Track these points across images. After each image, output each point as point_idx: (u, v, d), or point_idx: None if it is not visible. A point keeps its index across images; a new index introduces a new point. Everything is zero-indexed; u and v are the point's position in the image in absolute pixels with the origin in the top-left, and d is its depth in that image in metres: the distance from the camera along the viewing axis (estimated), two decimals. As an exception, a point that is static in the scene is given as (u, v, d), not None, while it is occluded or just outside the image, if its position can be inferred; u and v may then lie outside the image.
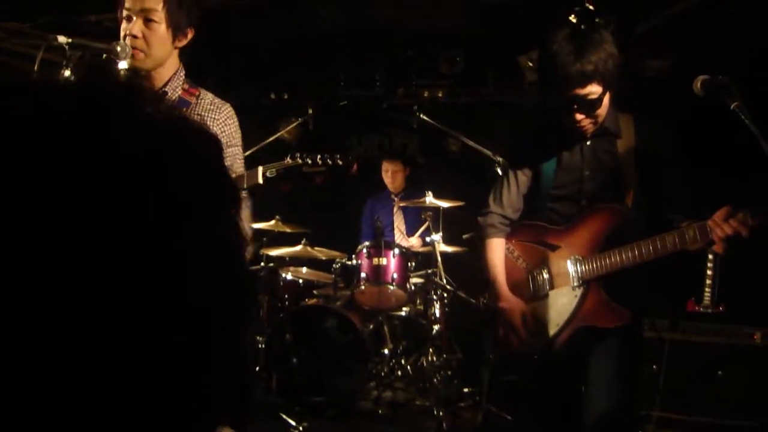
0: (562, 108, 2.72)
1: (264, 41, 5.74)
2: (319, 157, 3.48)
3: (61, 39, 2.57)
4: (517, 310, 2.95)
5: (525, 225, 3.07)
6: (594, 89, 2.63)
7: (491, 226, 3.12)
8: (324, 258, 5.45)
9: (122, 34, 2.56)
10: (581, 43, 2.73)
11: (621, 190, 2.82)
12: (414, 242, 5.88)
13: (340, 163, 3.54)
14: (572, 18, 4.63)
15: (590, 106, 2.68)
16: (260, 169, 2.89)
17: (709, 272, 4.74)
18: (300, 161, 3.49)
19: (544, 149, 2.98)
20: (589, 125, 2.77)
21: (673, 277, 4.30)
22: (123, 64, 2.85)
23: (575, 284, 2.81)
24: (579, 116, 2.70)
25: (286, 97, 6.94)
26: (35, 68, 2.59)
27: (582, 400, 2.77)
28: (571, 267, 2.83)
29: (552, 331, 2.86)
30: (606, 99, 2.71)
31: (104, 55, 2.74)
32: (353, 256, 5.32)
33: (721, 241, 2.48)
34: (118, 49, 2.69)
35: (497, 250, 3.11)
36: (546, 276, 2.92)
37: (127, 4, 2.53)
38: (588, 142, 2.88)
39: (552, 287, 2.89)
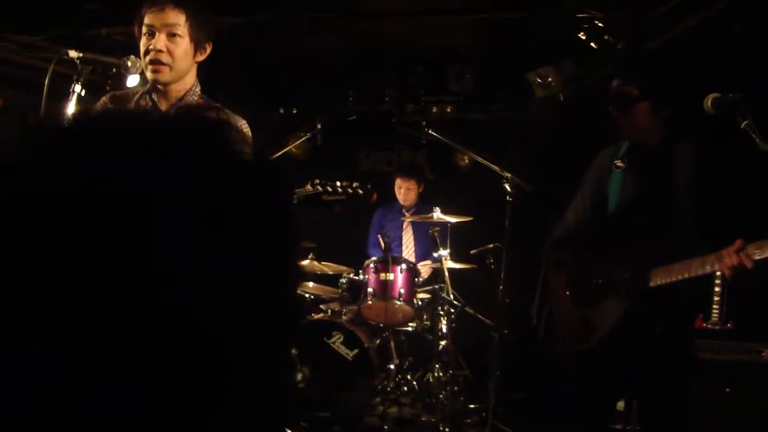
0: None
1: (273, 57, 5.77)
2: (339, 184, 3.50)
3: (73, 53, 2.61)
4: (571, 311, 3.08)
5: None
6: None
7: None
8: (331, 272, 5.44)
9: (143, 49, 2.57)
10: None
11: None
12: (422, 268, 5.80)
13: (360, 192, 3.57)
14: (582, 35, 4.68)
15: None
16: None
17: (717, 289, 4.72)
18: (320, 188, 3.51)
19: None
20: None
21: (681, 295, 4.29)
22: (134, 78, 2.87)
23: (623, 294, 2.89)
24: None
25: (294, 112, 6.96)
26: (46, 81, 2.62)
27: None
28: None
29: (601, 333, 2.95)
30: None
31: (114, 69, 2.77)
32: (360, 270, 5.31)
33: (729, 270, 2.55)
34: (129, 63, 2.71)
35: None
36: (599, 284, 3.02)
37: (148, 20, 2.55)
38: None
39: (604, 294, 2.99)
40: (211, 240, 0.52)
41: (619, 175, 3.03)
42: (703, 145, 2.85)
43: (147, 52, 2.55)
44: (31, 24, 4.89)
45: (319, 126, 5.91)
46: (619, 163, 3.05)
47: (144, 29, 2.55)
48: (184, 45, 2.58)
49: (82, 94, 2.59)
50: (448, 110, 6.51)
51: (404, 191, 5.98)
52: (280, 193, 0.61)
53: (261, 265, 0.56)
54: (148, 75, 2.59)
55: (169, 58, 2.55)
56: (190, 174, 0.53)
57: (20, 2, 4.57)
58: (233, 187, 0.56)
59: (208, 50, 2.69)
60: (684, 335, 2.96)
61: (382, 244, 5.43)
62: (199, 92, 2.74)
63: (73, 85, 2.58)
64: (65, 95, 2.64)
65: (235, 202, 0.55)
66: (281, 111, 6.97)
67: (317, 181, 3.51)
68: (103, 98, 2.73)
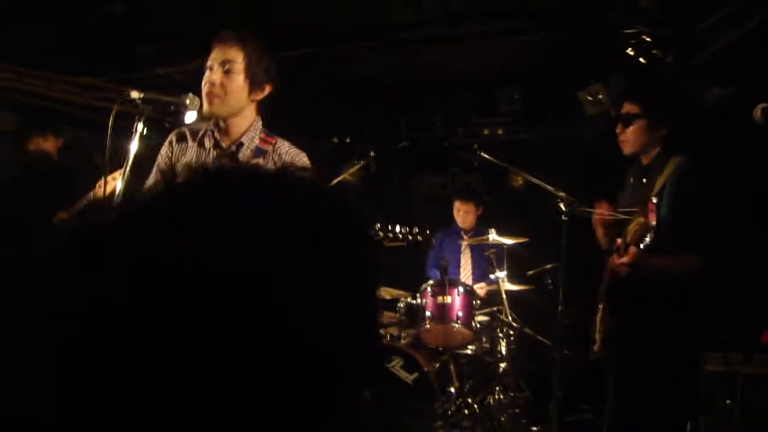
0: None
1: (324, 87, 5.90)
2: (399, 230, 3.60)
3: (134, 93, 2.74)
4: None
5: None
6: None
7: None
8: (388, 297, 5.48)
9: (203, 82, 2.74)
10: None
11: None
12: (478, 290, 5.80)
13: (420, 238, 3.67)
14: (630, 51, 4.66)
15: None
16: None
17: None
18: (382, 234, 3.61)
19: None
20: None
21: (746, 309, 4.19)
22: (192, 115, 3.00)
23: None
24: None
25: (348, 141, 7.07)
26: (110, 121, 2.75)
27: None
28: None
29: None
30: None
31: (172, 107, 2.90)
32: (417, 294, 5.33)
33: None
34: (187, 101, 2.84)
35: None
36: None
37: (211, 56, 2.73)
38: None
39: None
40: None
41: (628, 190, 3.38)
42: (694, 164, 3.09)
43: (205, 85, 2.71)
44: (90, 66, 5.11)
45: (372, 153, 5.99)
46: (631, 180, 3.37)
47: (207, 63, 2.74)
48: (238, 81, 2.72)
49: (144, 132, 2.73)
50: (499, 132, 6.52)
51: (463, 214, 5.99)
52: (371, 240, 0.70)
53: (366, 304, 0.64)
54: (204, 107, 2.74)
55: (222, 91, 2.70)
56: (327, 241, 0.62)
57: (78, 46, 4.79)
58: (350, 242, 0.64)
59: (267, 91, 2.81)
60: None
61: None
62: (261, 127, 2.86)
63: (135, 124, 2.71)
64: (126, 133, 2.77)
65: (351, 256, 0.64)
66: (335, 140, 7.09)
67: (378, 226, 3.62)
68: (170, 136, 2.91)
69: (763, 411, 3.94)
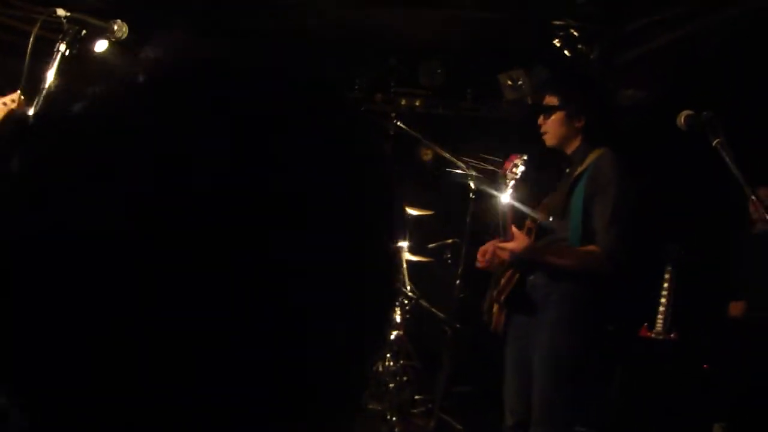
0: None
1: (251, 33, 5.70)
2: None
3: (60, 11, 2.55)
4: None
5: None
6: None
7: None
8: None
9: None
10: None
11: None
12: None
13: None
14: (556, 42, 4.76)
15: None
16: None
17: (663, 300, 4.87)
18: None
19: None
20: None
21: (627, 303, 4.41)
22: (103, 44, 2.82)
23: None
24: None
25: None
26: (30, 44, 2.56)
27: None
28: None
29: None
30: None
31: (83, 32, 2.71)
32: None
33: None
34: (115, 27, 2.68)
35: None
36: None
37: None
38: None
39: None
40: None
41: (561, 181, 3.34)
42: (609, 157, 3.09)
43: None
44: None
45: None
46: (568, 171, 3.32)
47: None
48: None
49: (66, 54, 2.55)
50: (417, 104, 6.54)
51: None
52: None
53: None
54: None
55: None
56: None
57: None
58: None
59: None
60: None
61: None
62: None
63: (57, 45, 2.54)
64: (45, 56, 2.59)
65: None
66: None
67: None
68: None
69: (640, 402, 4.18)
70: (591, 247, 3.00)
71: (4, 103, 2.98)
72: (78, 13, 2.62)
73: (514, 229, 3.09)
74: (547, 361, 3.01)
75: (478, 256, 3.31)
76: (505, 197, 3.27)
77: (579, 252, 3.04)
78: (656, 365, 4.49)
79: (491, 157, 4.20)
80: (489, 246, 3.26)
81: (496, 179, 3.51)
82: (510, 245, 3.07)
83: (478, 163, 4.41)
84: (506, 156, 3.42)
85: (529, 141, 3.54)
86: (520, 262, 3.12)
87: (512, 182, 3.27)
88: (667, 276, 4.82)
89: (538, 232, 3.17)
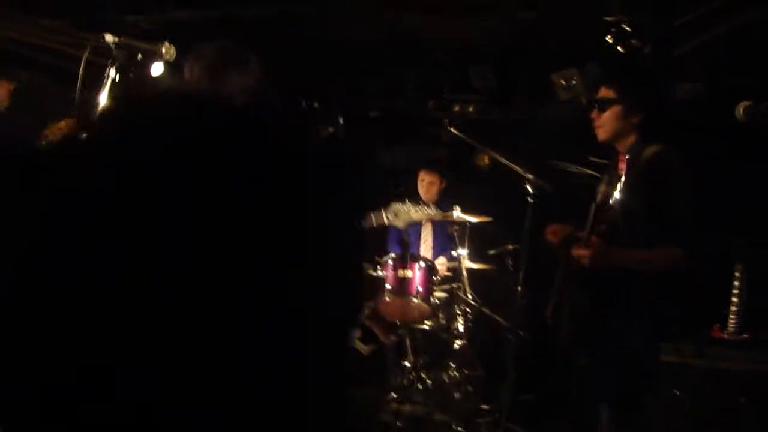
0: None
1: (296, 49, 5.77)
2: None
3: (109, 38, 2.61)
4: None
5: None
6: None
7: None
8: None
9: None
10: None
11: None
12: (438, 265, 5.79)
13: None
14: (608, 39, 4.65)
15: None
16: None
17: (734, 299, 4.69)
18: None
19: None
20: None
21: (697, 303, 4.27)
22: (159, 66, 2.88)
23: None
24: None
25: (316, 105, 6.94)
26: (82, 64, 2.63)
27: None
28: None
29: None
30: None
31: (139, 56, 2.78)
32: (378, 266, 5.31)
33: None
34: (163, 50, 2.73)
35: None
36: None
37: None
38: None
39: None
40: None
41: (605, 179, 3.36)
42: (669, 154, 3.02)
43: None
44: (52, 8, 4.87)
45: (341, 120, 5.90)
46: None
47: None
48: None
49: (116, 79, 2.61)
50: (470, 110, 6.49)
51: (426, 185, 5.92)
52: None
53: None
54: None
55: None
56: None
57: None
58: None
59: None
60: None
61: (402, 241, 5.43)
62: None
63: (107, 70, 2.59)
64: (94, 82, 2.65)
65: None
66: (303, 103, 6.95)
67: None
68: None
69: (712, 404, 4.04)
70: (669, 248, 2.96)
71: (59, 128, 3.11)
72: (125, 37, 2.68)
73: (593, 238, 3.02)
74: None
75: (548, 230, 3.36)
76: (617, 193, 3.17)
77: (659, 254, 3.00)
78: (729, 366, 4.32)
79: (596, 159, 4.12)
80: (564, 229, 3.26)
81: (609, 173, 3.39)
82: (589, 253, 3.00)
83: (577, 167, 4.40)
84: (613, 156, 3.33)
85: (584, 142, 3.48)
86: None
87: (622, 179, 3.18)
88: (737, 274, 4.63)
89: (609, 233, 3.10)
